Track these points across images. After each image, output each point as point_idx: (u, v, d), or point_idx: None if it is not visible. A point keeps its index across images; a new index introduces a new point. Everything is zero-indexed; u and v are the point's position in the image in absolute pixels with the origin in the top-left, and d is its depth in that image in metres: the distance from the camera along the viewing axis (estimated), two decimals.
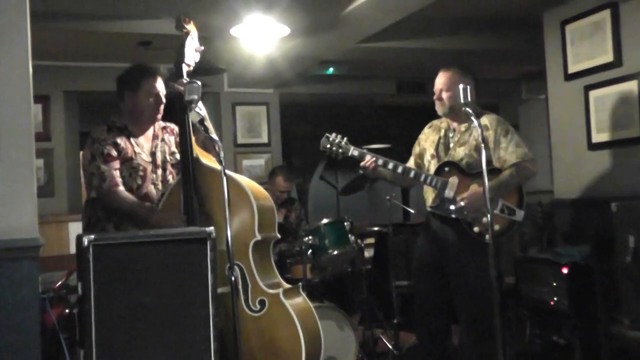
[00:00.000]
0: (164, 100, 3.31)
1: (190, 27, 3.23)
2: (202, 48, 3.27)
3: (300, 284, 3.30)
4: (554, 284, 4.06)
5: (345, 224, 4.61)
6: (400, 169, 3.57)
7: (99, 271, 2.44)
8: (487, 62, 7.22)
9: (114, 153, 3.21)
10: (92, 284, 2.42)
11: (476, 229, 3.47)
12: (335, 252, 4.52)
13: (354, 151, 3.61)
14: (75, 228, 5.57)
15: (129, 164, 3.26)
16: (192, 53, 3.22)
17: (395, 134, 9.57)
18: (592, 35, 4.58)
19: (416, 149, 3.84)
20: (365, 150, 3.62)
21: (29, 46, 2.96)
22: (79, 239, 2.45)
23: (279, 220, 4.12)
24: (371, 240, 5.94)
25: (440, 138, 3.70)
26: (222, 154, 2.69)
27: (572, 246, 4.30)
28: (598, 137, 4.58)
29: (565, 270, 4.01)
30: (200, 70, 3.35)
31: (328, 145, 3.62)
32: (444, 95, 3.61)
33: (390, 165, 3.57)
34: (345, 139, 3.63)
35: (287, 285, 3.16)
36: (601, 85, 4.52)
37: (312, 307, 3.18)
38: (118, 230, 3.18)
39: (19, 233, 2.83)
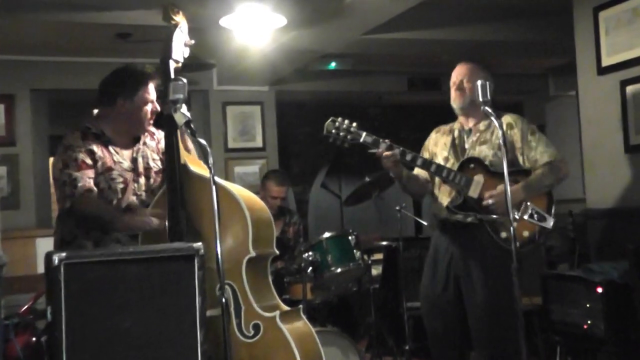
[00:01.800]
0: (159, 108, 3.32)
1: (180, 19, 3.24)
2: (193, 42, 3.28)
3: (300, 306, 3.30)
4: (587, 305, 4.05)
5: (350, 238, 4.61)
6: (419, 162, 3.57)
7: (72, 293, 2.43)
8: (510, 54, 7.23)
9: (89, 161, 3.22)
10: (63, 308, 2.41)
11: (504, 234, 3.49)
12: (339, 270, 4.52)
13: (366, 137, 3.53)
14: (44, 244, 5.56)
15: (107, 175, 3.26)
16: (180, 48, 3.23)
17: (406, 136, 9.56)
18: (630, 23, 4.58)
19: (423, 155, 3.85)
20: (379, 138, 3.56)
21: None
22: (48, 256, 2.44)
23: (276, 234, 4.12)
24: (379, 256, 5.93)
25: (454, 139, 3.74)
26: (211, 160, 2.69)
27: (608, 262, 4.28)
28: (637, 138, 4.56)
29: (600, 290, 3.99)
30: (186, 65, 3.36)
31: (334, 130, 3.55)
32: (466, 85, 3.66)
33: (409, 157, 3.55)
34: (355, 123, 3.56)
35: (286, 308, 3.15)
36: None
37: (314, 332, 3.17)
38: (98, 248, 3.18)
39: None
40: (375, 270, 5.70)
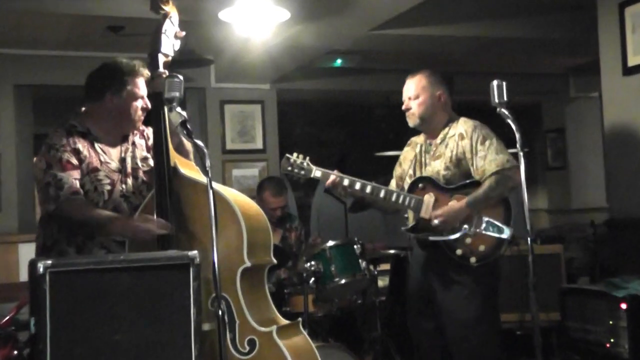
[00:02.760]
0: (149, 105, 3.32)
1: (169, 8, 3.23)
2: (184, 33, 3.27)
3: (300, 319, 3.29)
4: (610, 323, 4.04)
5: (355, 247, 4.60)
6: (368, 189, 3.74)
7: (57, 303, 2.42)
8: (528, 52, 7.23)
9: (74, 161, 3.20)
10: (48, 320, 2.40)
11: (459, 251, 3.63)
12: (343, 281, 4.51)
13: (316, 172, 3.80)
14: (27, 251, 5.56)
15: (93, 176, 3.25)
16: (170, 40, 3.22)
17: None
18: None
19: (397, 171, 4.06)
20: (328, 170, 3.80)
21: None
22: (32, 264, 2.43)
23: (275, 242, 4.09)
24: (386, 267, 5.92)
25: (416, 155, 3.90)
26: (208, 163, 2.68)
27: (633, 276, 4.27)
28: None
29: (624, 306, 3.98)
30: (182, 61, 3.35)
31: (289, 168, 3.82)
32: (413, 103, 3.81)
33: (357, 186, 3.74)
34: (307, 158, 3.83)
35: (284, 321, 3.14)
36: None
37: (314, 347, 3.15)
38: (81, 255, 3.16)
39: None
40: (382, 282, 5.68)
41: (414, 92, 3.82)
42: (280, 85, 7.55)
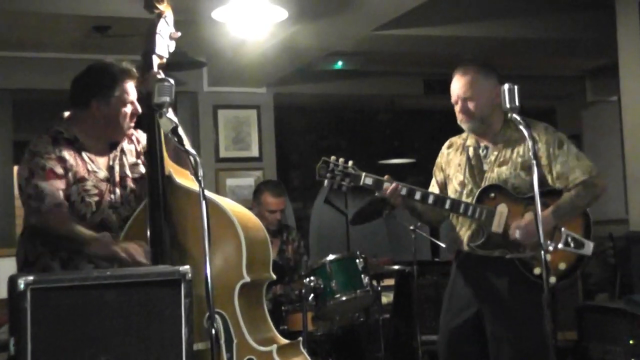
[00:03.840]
0: (139, 110, 3.32)
1: (164, 7, 3.24)
2: (179, 34, 3.28)
3: (300, 338, 3.29)
4: (631, 342, 4.04)
5: (357, 261, 4.61)
6: (431, 200, 3.52)
7: (39, 323, 2.41)
8: (541, 54, 7.25)
9: (59, 171, 3.19)
10: (28, 340, 2.39)
11: (537, 270, 3.41)
12: (344, 298, 4.52)
13: (366, 179, 3.51)
14: (6, 266, 5.51)
15: (81, 186, 3.24)
16: (165, 41, 3.23)
17: (422, 146, 9.58)
18: None
19: (438, 176, 3.81)
20: (381, 178, 3.53)
21: None
22: (12, 280, 2.43)
23: (272, 255, 4.10)
24: (390, 282, 5.94)
25: (469, 159, 3.66)
26: (200, 172, 2.68)
27: None
28: None
29: None
30: (172, 64, 3.36)
31: (328, 174, 3.50)
32: (470, 104, 3.55)
33: (418, 196, 3.51)
34: (351, 162, 3.52)
35: (284, 341, 3.14)
36: None
37: None
38: (66, 270, 3.16)
39: None
40: (386, 298, 5.70)
41: (469, 92, 3.55)
42: (278, 89, 7.55)
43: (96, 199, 3.28)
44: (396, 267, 5.74)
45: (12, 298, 2.42)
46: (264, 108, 7.49)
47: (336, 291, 4.49)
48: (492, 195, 3.50)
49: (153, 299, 2.57)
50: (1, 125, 6.74)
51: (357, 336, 5.35)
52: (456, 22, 6.06)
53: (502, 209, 3.47)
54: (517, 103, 3.00)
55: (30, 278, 2.42)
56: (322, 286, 4.46)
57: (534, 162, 2.92)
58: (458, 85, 3.59)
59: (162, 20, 3.22)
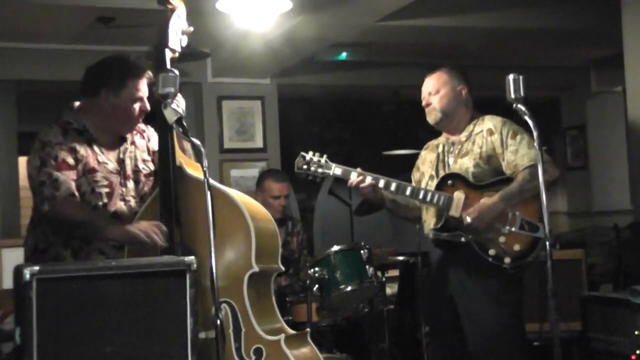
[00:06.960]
0: (149, 107, 3.32)
1: (177, 2, 3.25)
2: (192, 29, 3.28)
3: (308, 329, 3.30)
4: (636, 333, 4.04)
5: (362, 252, 4.61)
6: (393, 187, 3.76)
7: (45, 313, 2.42)
8: (545, 44, 7.23)
9: (71, 161, 3.20)
10: (34, 330, 2.40)
11: (492, 251, 3.62)
12: (349, 289, 4.52)
13: (336, 169, 3.83)
14: (11, 257, 5.54)
15: (90, 177, 3.25)
16: (178, 35, 3.24)
17: (426, 137, 9.58)
18: None
19: (415, 176, 4.07)
20: (349, 168, 3.82)
21: None
22: (17, 270, 2.44)
23: None
24: (395, 273, 5.94)
25: (438, 155, 3.92)
26: (205, 163, 2.69)
27: None
28: None
29: None
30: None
31: (305, 166, 3.85)
32: (433, 98, 3.86)
33: (381, 183, 3.76)
34: (325, 156, 3.86)
35: (291, 331, 3.17)
36: None
37: (322, 359, 3.18)
38: (77, 259, 3.17)
39: None
40: (390, 289, 5.70)
41: (434, 87, 3.88)
42: (282, 80, 7.55)
43: (106, 190, 3.28)
44: (400, 258, 5.75)
45: (17, 288, 2.44)
46: (268, 99, 7.48)
47: (340, 282, 4.50)
48: (450, 182, 3.74)
49: (158, 290, 2.58)
50: (5, 116, 6.75)
51: (362, 327, 5.35)
52: (460, 13, 6.05)
53: (459, 195, 3.69)
54: (522, 93, 3.03)
55: (36, 268, 2.43)
56: (326, 277, 4.46)
57: (539, 154, 3.01)
58: (425, 84, 3.95)
59: (175, 15, 3.23)
